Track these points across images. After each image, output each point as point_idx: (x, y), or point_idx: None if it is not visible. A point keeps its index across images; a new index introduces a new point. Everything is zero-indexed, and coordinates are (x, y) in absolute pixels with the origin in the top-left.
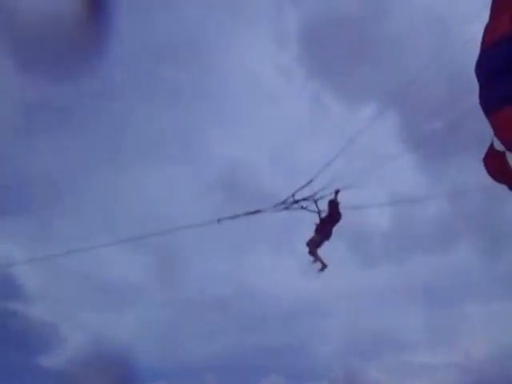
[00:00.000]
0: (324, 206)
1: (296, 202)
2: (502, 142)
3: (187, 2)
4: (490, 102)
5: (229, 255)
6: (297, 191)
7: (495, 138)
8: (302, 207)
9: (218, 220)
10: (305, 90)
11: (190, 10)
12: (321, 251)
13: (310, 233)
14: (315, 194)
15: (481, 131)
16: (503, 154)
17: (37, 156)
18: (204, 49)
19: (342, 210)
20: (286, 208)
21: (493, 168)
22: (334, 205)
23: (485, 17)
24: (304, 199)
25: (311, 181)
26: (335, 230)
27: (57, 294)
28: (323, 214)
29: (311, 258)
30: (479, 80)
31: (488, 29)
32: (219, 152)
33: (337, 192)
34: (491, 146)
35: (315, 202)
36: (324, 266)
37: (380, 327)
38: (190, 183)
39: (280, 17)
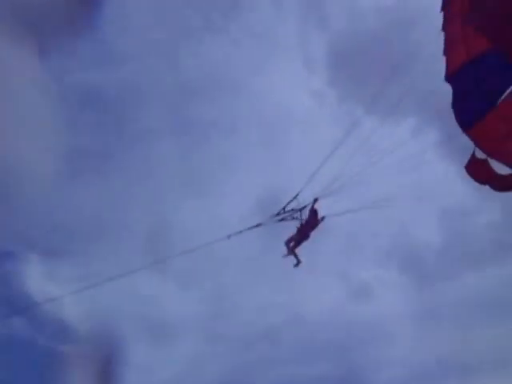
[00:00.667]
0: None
1: (286, 212)
2: (483, 151)
3: (212, 39)
4: (464, 122)
5: (276, 284)
6: (287, 204)
7: (476, 149)
8: (293, 217)
9: (228, 236)
10: (339, 112)
11: (216, 45)
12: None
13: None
14: (304, 206)
15: None
16: (485, 160)
17: (78, 198)
18: (233, 82)
19: (319, 216)
20: (282, 219)
21: (476, 173)
22: (312, 212)
23: None
24: (293, 210)
25: (297, 195)
26: (314, 233)
27: (107, 332)
28: (304, 220)
29: (285, 253)
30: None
31: (447, 61)
32: (257, 181)
33: (315, 200)
34: (473, 155)
35: (300, 212)
36: (299, 262)
37: (443, 349)
38: (228, 215)
39: (306, 42)
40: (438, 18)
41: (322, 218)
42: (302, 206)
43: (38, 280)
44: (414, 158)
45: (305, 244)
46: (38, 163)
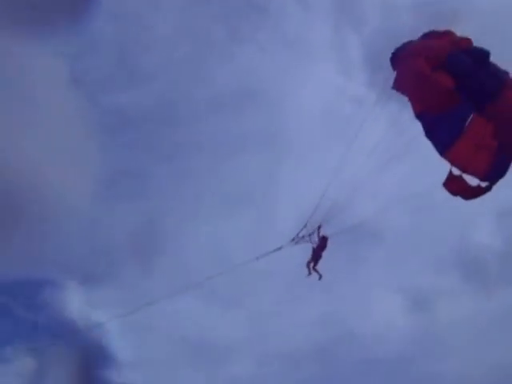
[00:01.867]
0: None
1: (299, 238)
2: (458, 169)
3: (240, 49)
4: (439, 149)
5: (325, 299)
6: (300, 231)
7: (452, 167)
8: (306, 241)
9: (257, 258)
10: (381, 116)
11: (244, 55)
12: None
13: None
14: (312, 232)
15: None
16: (460, 175)
17: (118, 222)
18: (265, 92)
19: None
20: (297, 243)
21: (453, 188)
22: (319, 238)
23: None
24: (303, 236)
25: (306, 224)
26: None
27: (150, 357)
28: (316, 244)
29: (307, 272)
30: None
31: (414, 103)
32: (299, 193)
33: (319, 227)
34: (450, 172)
35: (310, 237)
36: (320, 276)
37: (509, 361)
38: (269, 229)
39: (341, 45)
40: (479, 13)
41: (327, 239)
42: (311, 231)
43: (78, 306)
44: None
45: (356, 254)
46: (74, 188)
